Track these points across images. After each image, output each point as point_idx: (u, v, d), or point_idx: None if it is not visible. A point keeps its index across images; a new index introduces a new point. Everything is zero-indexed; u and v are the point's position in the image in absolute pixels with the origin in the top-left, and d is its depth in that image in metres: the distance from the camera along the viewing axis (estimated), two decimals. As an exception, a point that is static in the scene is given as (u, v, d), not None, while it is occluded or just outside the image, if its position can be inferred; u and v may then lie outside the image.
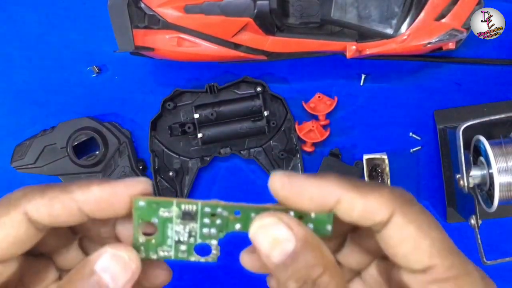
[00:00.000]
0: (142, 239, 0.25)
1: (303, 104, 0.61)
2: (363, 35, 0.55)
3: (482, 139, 0.52)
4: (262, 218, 0.23)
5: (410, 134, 0.62)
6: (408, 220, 0.22)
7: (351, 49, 0.55)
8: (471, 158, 0.55)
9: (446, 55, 0.60)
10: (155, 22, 0.55)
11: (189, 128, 0.61)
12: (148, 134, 0.62)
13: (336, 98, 0.61)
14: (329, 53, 0.57)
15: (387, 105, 0.62)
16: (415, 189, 0.62)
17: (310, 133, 0.61)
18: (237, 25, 0.54)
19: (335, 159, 0.61)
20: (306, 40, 0.56)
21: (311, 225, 0.25)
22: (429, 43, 0.54)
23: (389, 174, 0.60)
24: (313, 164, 0.62)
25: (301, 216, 0.25)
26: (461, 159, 0.52)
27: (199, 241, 0.26)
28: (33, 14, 0.63)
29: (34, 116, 0.63)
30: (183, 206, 0.25)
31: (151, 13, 0.55)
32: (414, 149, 0.62)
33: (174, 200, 0.25)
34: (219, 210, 0.25)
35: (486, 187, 0.52)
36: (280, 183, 0.24)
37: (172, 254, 0.26)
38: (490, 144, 0.51)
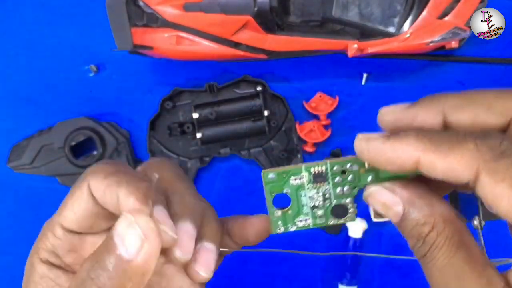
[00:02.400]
0: (278, 213, 0.25)
1: (304, 103, 0.60)
2: (365, 34, 0.55)
3: None
4: (368, 187, 0.24)
5: (413, 134, 0.61)
6: (497, 178, 0.20)
7: (353, 47, 0.54)
8: None
9: (449, 54, 0.60)
10: (154, 21, 0.54)
11: (188, 128, 0.60)
12: (147, 134, 0.61)
13: (337, 98, 0.60)
14: (330, 52, 0.57)
15: (389, 104, 0.61)
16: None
17: (311, 133, 0.60)
18: (237, 24, 0.54)
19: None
20: (307, 39, 0.55)
21: None
22: (432, 41, 0.53)
23: (391, 174, 0.59)
24: (314, 165, 0.61)
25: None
26: None
27: (334, 202, 0.26)
28: (30, 12, 0.62)
29: (31, 116, 0.62)
30: (312, 169, 0.25)
31: (150, 11, 0.54)
32: (417, 149, 0.61)
33: (303, 166, 0.25)
34: (348, 165, 0.25)
35: None
36: (359, 148, 0.24)
37: (310, 222, 0.26)
38: None
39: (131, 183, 0.24)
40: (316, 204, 0.25)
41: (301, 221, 0.25)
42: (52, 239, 0.26)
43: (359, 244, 0.60)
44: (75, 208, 0.26)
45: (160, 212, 0.25)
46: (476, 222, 0.52)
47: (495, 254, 0.52)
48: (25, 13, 0.62)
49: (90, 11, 0.61)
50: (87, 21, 0.61)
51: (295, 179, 0.25)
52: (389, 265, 0.62)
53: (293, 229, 0.25)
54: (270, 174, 0.25)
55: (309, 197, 0.25)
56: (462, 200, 0.58)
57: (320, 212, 0.25)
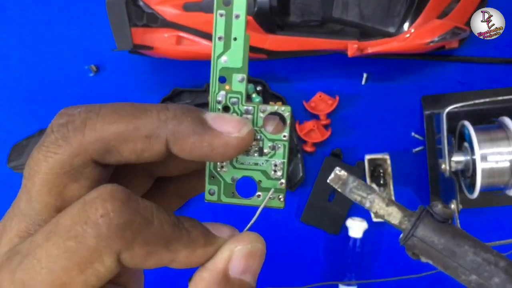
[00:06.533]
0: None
1: (304, 103, 0.60)
2: (365, 34, 0.55)
3: (467, 123, 0.52)
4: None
5: (412, 134, 0.61)
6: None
7: (353, 47, 0.54)
8: (456, 144, 0.55)
9: (449, 54, 0.60)
10: (154, 20, 0.54)
11: (188, 128, 0.60)
12: (147, 134, 0.61)
13: (337, 98, 0.60)
14: (330, 52, 0.57)
15: (389, 104, 0.61)
16: (417, 189, 0.61)
17: (311, 133, 0.60)
18: (237, 23, 0.54)
19: (336, 159, 0.60)
20: (307, 39, 0.55)
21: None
22: (432, 41, 0.53)
23: (391, 174, 0.59)
24: (314, 165, 0.61)
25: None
26: (444, 143, 0.52)
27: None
28: (31, 12, 0.62)
29: (31, 116, 0.62)
30: None
31: (150, 11, 0.54)
32: (417, 149, 0.61)
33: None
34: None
35: (469, 173, 0.52)
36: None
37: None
38: (475, 129, 0.51)
39: (184, 240, 0.19)
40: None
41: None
42: None
43: (359, 244, 0.60)
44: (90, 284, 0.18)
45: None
46: (453, 205, 0.53)
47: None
48: (25, 13, 0.62)
49: (90, 11, 0.61)
50: (87, 21, 0.61)
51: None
52: (389, 265, 0.62)
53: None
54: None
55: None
56: (443, 187, 0.59)
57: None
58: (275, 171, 0.23)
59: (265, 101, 0.60)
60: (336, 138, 0.61)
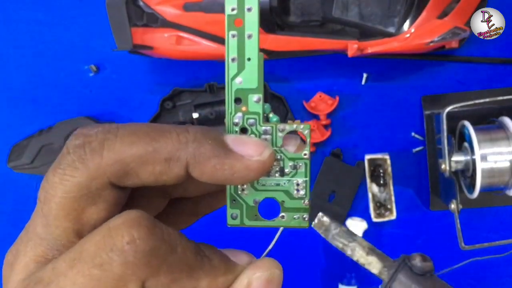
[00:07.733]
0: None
1: (304, 103, 0.60)
2: (365, 34, 0.55)
3: (467, 123, 0.52)
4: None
5: (413, 134, 0.61)
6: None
7: (353, 47, 0.54)
8: (456, 144, 0.55)
9: (449, 54, 0.60)
10: (154, 20, 0.54)
11: (188, 128, 0.60)
12: (147, 134, 0.61)
13: (337, 98, 0.60)
14: (330, 52, 0.57)
15: (389, 104, 0.61)
16: (417, 189, 0.61)
17: (311, 133, 0.60)
18: (237, 23, 0.54)
19: (336, 159, 0.60)
20: (307, 39, 0.55)
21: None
22: (432, 41, 0.53)
23: (391, 174, 0.59)
24: (314, 165, 0.61)
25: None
26: (444, 142, 0.52)
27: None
28: (31, 12, 0.62)
29: (31, 116, 0.62)
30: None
31: (150, 11, 0.54)
32: (417, 149, 0.61)
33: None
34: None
35: (469, 173, 0.52)
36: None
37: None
38: (475, 129, 0.51)
39: (206, 268, 0.19)
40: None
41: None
42: None
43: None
44: None
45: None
46: (453, 205, 0.53)
47: (471, 239, 0.54)
48: (25, 13, 0.62)
49: (90, 11, 0.61)
50: (87, 21, 0.61)
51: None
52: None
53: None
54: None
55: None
56: (443, 186, 0.59)
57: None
58: (297, 190, 0.23)
59: (266, 101, 0.60)
60: (336, 138, 0.61)
